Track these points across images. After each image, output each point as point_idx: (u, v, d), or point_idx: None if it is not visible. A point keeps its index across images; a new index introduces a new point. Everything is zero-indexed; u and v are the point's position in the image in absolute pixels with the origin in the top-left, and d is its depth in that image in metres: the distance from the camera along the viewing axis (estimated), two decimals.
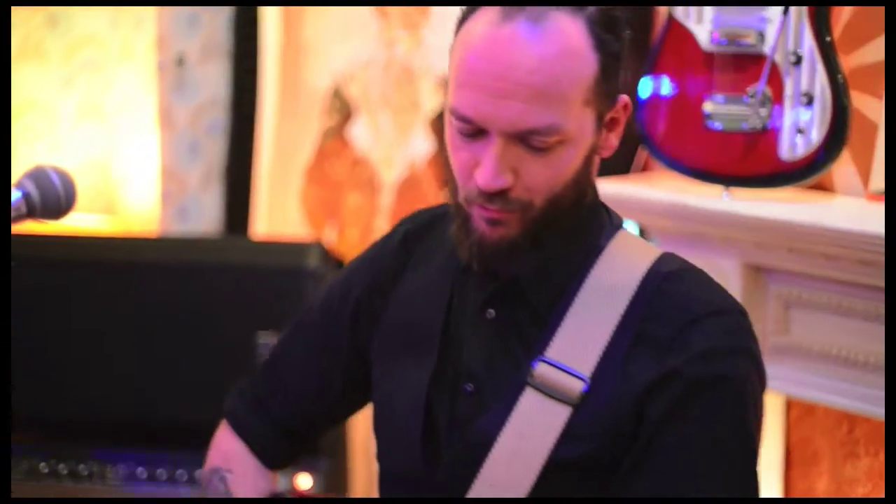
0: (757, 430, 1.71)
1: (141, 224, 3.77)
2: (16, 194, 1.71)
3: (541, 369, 1.69)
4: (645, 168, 2.83)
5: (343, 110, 3.51)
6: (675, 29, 2.56)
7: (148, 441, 3.04)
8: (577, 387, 1.67)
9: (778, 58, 2.46)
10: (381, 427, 1.86)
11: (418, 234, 1.90)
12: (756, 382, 1.70)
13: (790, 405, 2.68)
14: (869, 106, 2.48)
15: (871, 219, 2.30)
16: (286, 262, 3.06)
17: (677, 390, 1.65)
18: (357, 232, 3.44)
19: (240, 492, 1.94)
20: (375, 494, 1.89)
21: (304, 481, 2.93)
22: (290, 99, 3.61)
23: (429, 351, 1.78)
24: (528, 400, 1.69)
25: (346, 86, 3.50)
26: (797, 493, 2.69)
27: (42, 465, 3.06)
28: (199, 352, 3.02)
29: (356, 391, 1.93)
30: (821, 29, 2.43)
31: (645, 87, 2.60)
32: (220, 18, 3.68)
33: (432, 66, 3.30)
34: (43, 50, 3.77)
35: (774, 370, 2.53)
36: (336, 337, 1.92)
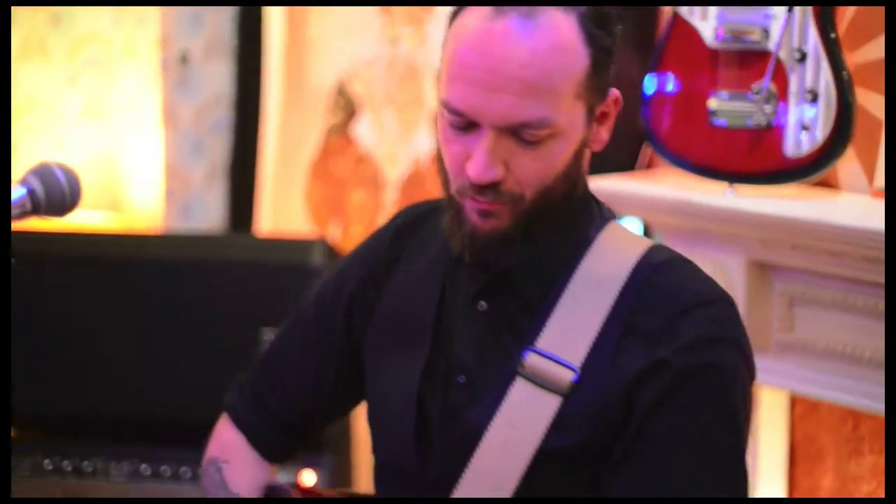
0: (746, 419, 1.72)
1: (145, 221, 3.77)
2: (21, 191, 1.70)
3: (531, 360, 1.70)
4: (649, 165, 2.83)
5: (347, 107, 3.51)
6: (680, 26, 2.56)
7: (152, 438, 3.04)
8: (567, 377, 1.69)
9: (783, 54, 2.46)
10: (374, 420, 1.87)
11: (411, 227, 1.91)
12: (744, 371, 1.72)
13: (794, 402, 2.68)
14: (874, 103, 2.47)
15: (876, 216, 2.29)
16: (290, 259, 3.06)
17: (666, 380, 1.66)
18: (361, 229, 3.44)
19: (235, 482, 1.94)
20: None
21: (309, 477, 2.93)
22: (294, 96, 3.61)
23: (421, 343, 1.79)
24: (519, 390, 1.70)
25: (350, 83, 3.50)
26: (801, 491, 2.69)
27: (46, 461, 3.07)
28: (203, 348, 3.02)
29: (351, 386, 1.94)
30: (825, 25, 2.43)
31: (649, 83, 2.60)
32: (224, 16, 3.68)
33: (436, 63, 3.29)
34: (46, 48, 3.77)
35: (779, 367, 2.54)
36: (330, 332, 1.93)
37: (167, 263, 3.11)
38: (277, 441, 1.98)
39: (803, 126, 2.45)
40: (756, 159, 2.50)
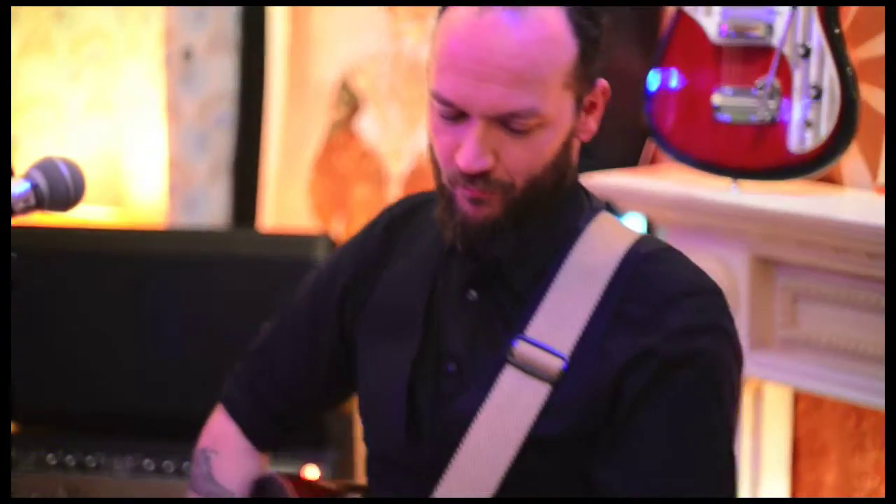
0: (733, 407, 1.73)
1: (148, 216, 3.77)
2: (25, 185, 1.71)
3: (521, 348, 1.72)
4: (653, 161, 2.83)
5: (351, 103, 3.51)
6: (684, 21, 2.56)
7: (155, 433, 3.04)
8: (556, 365, 1.70)
9: (787, 50, 2.45)
10: (366, 409, 1.89)
11: (403, 219, 1.92)
12: (732, 360, 1.73)
13: (798, 398, 2.68)
14: (878, 99, 2.47)
15: (880, 211, 2.29)
16: (293, 254, 3.06)
17: (653, 368, 1.68)
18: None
19: (221, 473, 1.96)
20: None
21: (312, 472, 2.93)
22: (297, 91, 3.61)
23: (412, 333, 1.81)
24: (509, 378, 1.72)
25: (353, 78, 3.50)
26: (805, 486, 2.69)
27: (49, 456, 3.07)
28: (207, 343, 3.02)
29: (343, 376, 1.95)
30: (829, 21, 2.43)
31: (653, 79, 2.60)
32: (228, 11, 3.68)
33: None
34: (50, 43, 3.77)
35: (782, 363, 2.54)
36: (323, 322, 1.94)
37: (170, 258, 3.11)
38: (268, 429, 2.00)
39: (807, 122, 2.45)
40: (760, 155, 2.50)
